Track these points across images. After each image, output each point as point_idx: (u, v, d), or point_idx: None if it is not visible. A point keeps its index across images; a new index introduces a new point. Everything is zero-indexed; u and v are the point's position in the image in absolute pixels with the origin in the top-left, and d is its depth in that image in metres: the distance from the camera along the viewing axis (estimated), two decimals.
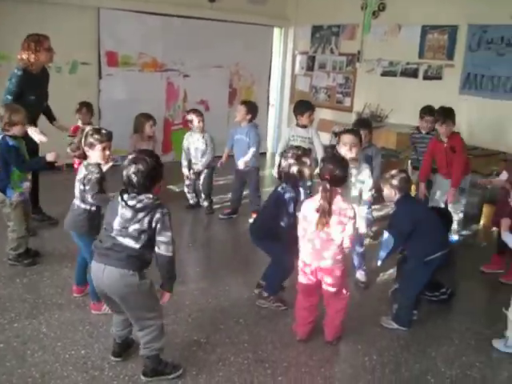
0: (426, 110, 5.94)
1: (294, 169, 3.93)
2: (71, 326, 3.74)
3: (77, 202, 3.80)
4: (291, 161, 3.94)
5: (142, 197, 2.94)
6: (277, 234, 3.99)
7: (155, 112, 7.32)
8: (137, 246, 2.96)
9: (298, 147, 4.20)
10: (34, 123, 5.05)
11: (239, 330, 3.85)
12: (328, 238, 3.45)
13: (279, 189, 4.00)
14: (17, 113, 4.39)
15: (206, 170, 6.31)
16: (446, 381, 3.43)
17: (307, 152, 4.17)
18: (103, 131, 3.76)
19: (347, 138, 4.35)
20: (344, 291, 3.67)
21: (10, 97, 4.99)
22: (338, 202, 3.43)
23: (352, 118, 8.71)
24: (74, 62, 7.51)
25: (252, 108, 6.00)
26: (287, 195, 3.92)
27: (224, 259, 5.16)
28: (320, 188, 3.43)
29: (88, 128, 3.75)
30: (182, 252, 5.21)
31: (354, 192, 4.35)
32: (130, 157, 2.99)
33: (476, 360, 3.70)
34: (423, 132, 5.98)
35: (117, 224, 2.97)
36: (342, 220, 3.42)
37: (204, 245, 5.65)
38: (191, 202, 6.50)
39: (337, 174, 3.43)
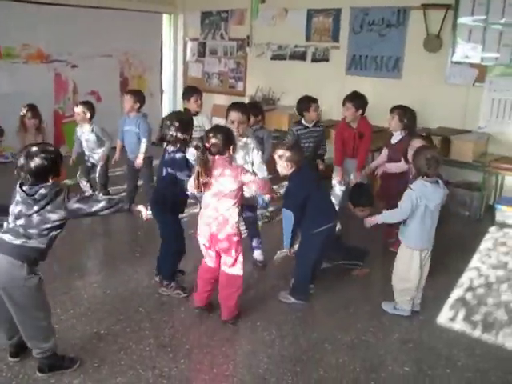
0: (310, 99, 5.59)
1: (180, 135, 3.93)
2: None
3: None
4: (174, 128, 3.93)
5: (39, 188, 2.88)
6: (172, 204, 4.03)
7: (44, 105, 7.09)
8: (35, 243, 2.91)
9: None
10: None
11: (140, 318, 3.84)
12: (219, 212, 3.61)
13: (170, 151, 3.99)
14: None
15: (101, 162, 6.19)
16: (342, 347, 3.61)
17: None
18: None
19: (233, 116, 4.39)
20: (239, 271, 3.77)
21: None
22: (224, 169, 3.57)
23: (245, 101, 8.84)
24: None
25: (139, 97, 5.86)
26: (179, 155, 3.93)
27: (122, 250, 5.11)
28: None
29: None
30: (78, 246, 5.11)
31: None
32: (22, 153, 2.91)
33: (370, 325, 3.92)
34: (310, 126, 5.59)
35: (21, 222, 2.90)
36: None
37: (101, 237, 5.56)
38: (86, 194, 6.35)
39: (214, 142, 3.56)
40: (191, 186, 3.66)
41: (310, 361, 3.43)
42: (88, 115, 6.05)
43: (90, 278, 4.41)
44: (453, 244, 5.45)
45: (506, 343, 3.72)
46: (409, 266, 3.91)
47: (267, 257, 4.81)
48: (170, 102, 10.16)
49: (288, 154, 3.95)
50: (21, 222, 2.89)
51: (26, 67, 7.82)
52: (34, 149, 2.91)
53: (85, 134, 6.14)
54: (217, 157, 3.58)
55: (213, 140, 3.58)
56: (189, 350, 3.47)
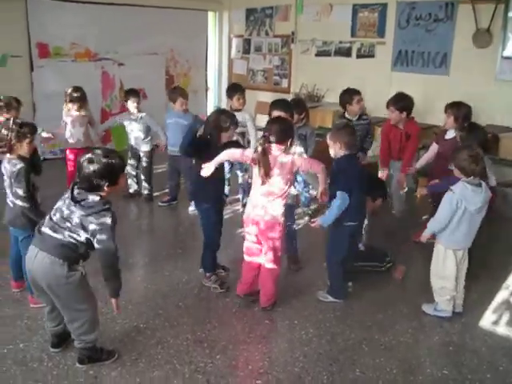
0: (352, 91, 5.49)
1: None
2: (9, 321, 3.71)
3: (9, 199, 3.76)
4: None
5: (91, 196, 2.93)
6: (205, 193, 4.10)
7: (91, 102, 7.18)
8: (73, 240, 2.96)
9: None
10: None
11: (178, 313, 3.89)
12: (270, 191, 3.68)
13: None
14: None
15: (146, 156, 6.34)
16: (379, 347, 3.57)
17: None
18: (30, 124, 3.73)
19: (276, 114, 4.37)
20: (277, 265, 3.88)
21: None
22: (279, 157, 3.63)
23: (289, 99, 8.81)
24: (3, 55, 7.30)
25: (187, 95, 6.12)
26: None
27: (164, 246, 5.16)
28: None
29: (11, 122, 3.68)
30: (122, 241, 5.18)
31: None
32: (87, 155, 2.96)
33: (409, 326, 3.86)
34: (354, 119, 5.48)
35: (58, 217, 2.97)
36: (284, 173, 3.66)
37: (144, 233, 5.66)
38: (131, 190, 6.47)
39: (274, 129, 3.62)
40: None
41: (347, 361, 3.40)
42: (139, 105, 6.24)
43: (132, 273, 4.48)
44: (500, 246, 5.32)
45: None
46: (444, 265, 3.85)
47: (303, 258, 4.78)
48: (214, 98, 10.22)
49: (342, 136, 3.88)
50: (57, 217, 2.98)
51: (74, 65, 8.00)
52: (96, 153, 2.95)
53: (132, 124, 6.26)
54: (274, 149, 3.63)
55: (273, 129, 3.63)
56: (225, 346, 3.49)
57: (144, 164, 6.38)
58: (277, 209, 3.71)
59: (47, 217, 3.05)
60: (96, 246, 2.94)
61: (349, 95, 5.47)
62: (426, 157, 5.31)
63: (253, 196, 3.78)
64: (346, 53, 8.03)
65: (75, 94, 5.83)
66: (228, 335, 3.63)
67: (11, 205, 3.78)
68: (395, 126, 5.35)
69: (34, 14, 7.50)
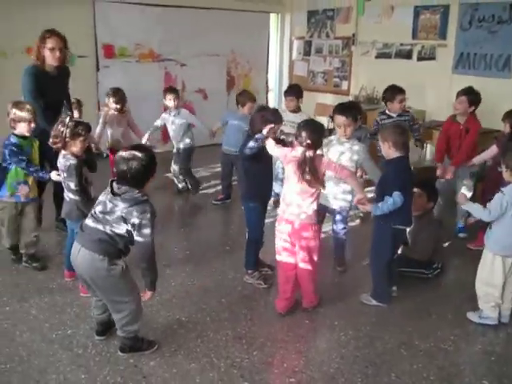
0: (397, 90, 5.53)
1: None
2: (60, 308, 3.90)
3: (65, 192, 3.97)
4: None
5: (130, 191, 3.05)
6: (248, 192, 4.23)
7: (154, 102, 7.51)
8: (112, 233, 3.09)
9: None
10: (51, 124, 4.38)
11: (221, 308, 3.97)
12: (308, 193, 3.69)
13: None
14: (22, 109, 4.19)
15: (184, 152, 6.51)
16: (418, 353, 3.52)
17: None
18: (84, 124, 3.91)
19: (339, 119, 4.40)
20: (314, 266, 3.85)
21: (29, 94, 4.74)
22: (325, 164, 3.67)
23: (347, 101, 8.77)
24: (71, 55, 7.61)
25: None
26: (249, 144, 4.01)
27: (213, 242, 5.28)
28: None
29: (68, 120, 3.87)
30: (172, 236, 5.37)
31: None
32: (125, 153, 3.07)
33: (451, 333, 3.78)
34: (394, 115, 5.52)
35: (99, 209, 3.11)
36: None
37: (195, 229, 5.77)
38: (180, 186, 6.65)
39: (312, 138, 3.59)
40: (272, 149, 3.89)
41: (383, 364, 3.38)
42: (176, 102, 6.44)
43: (180, 268, 4.60)
44: None
45: None
46: (491, 271, 3.76)
47: (351, 260, 4.77)
48: (275, 100, 10.29)
49: (397, 137, 3.85)
50: (99, 209, 3.12)
51: (138, 66, 8.27)
52: (130, 151, 3.06)
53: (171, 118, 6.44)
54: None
55: (303, 135, 3.61)
56: (262, 343, 3.54)
57: (181, 160, 6.53)
58: (311, 208, 3.72)
59: (92, 210, 3.20)
60: (136, 238, 3.05)
61: (391, 93, 5.51)
62: (484, 155, 5.21)
63: (287, 194, 3.77)
64: (407, 55, 7.91)
65: (115, 95, 6.09)
66: (267, 333, 3.68)
67: (67, 198, 3.99)
68: (456, 122, 5.30)
69: (101, 16, 7.82)
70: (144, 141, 6.17)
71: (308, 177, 3.58)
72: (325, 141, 4.51)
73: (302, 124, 3.76)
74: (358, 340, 3.64)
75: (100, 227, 3.09)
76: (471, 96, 5.17)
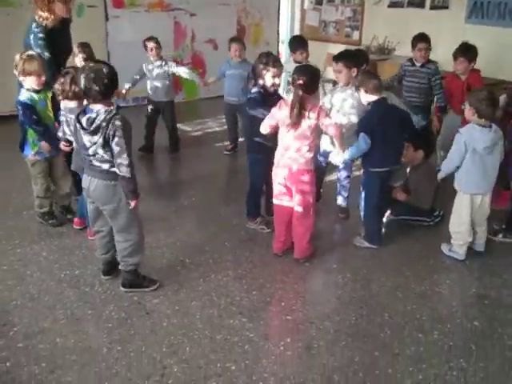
0: (418, 37, 5.50)
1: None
2: (69, 251, 4.06)
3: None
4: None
5: (96, 110, 3.12)
6: (251, 143, 4.28)
7: (164, 52, 7.44)
8: (105, 165, 3.22)
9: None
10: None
11: (223, 251, 4.10)
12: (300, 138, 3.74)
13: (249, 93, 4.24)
14: (31, 62, 4.05)
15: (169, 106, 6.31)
16: (413, 295, 3.63)
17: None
18: None
19: (336, 66, 4.45)
20: (310, 211, 3.91)
21: (37, 48, 4.75)
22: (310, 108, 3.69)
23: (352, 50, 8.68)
24: (80, 4, 7.57)
25: (243, 43, 6.24)
26: (253, 95, 4.12)
27: (220, 191, 5.40)
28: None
29: (71, 70, 3.90)
30: (179, 184, 5.50)
31: (343, 119, 4.42)
32: (85, 69, 3.16)
33: (447, 278, 3.89)
34: (417, 65, 5.52)
35: (86, 148, 3.22)
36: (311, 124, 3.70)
37: (202, 178, 5.85)
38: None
39: (306, 80, 3.64)
40: (264, 127, 3.86)
41: (378, 305, 3.49)
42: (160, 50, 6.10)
43: (185, 214, 4.73)
44: None
45: None
46: (460, 210, 3.98)
47: (353, 207, 4.82)
48: (285, 50, 10.18)
49: (369, 84, 3.97)
50: (86, 152, 3.23)
51: (147, 15, 8.20)
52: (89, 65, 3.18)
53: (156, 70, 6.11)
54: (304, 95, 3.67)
55: (299, 80, 3.66)
56: (262, 284, 3.67)
57: (168, 115, 6.27)
58: (308, 154, 3.77)
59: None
60: (113, 147, 3.13)
61: (414, 40, 5.55)
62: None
63: (284, 139, 3.81)
64: (419, 3, 7.77)
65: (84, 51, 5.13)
66: (267, 274, 3.80)
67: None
68: (457, 78, 5.27)
69: None
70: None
71: (294, 119, 3.64)
72: (330, 88, 4.56)
73: (297, 67, 3.90)
74: (355, 282, 3.76)
75: (102, 164, 3.22)
76: (469, 54, 5.13)
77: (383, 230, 4.33)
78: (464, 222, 3.98)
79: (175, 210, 4.79)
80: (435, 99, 5.64)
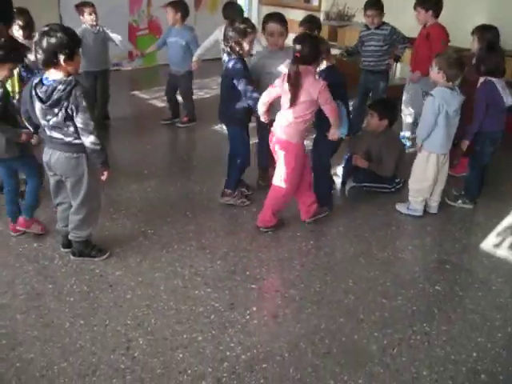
0: (368, 4, 5.56)
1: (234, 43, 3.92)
2: None
3: None
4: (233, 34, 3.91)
5: (54, 80, 2.96)
6: (234, 116, 4.11)
7: (119, 18, 7.26)
8: (68, 138, 3.10)
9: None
10: None
11: (186, 221, 4.04)
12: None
13: (228, 62, 4.02)
14: None
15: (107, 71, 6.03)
16: (376, 262, 3.66)
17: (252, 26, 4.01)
18: None
19: (272, 27, 4.17)
20: (282, 184, 3.83)
21: None
22: (309, 81, 3.54)
23: (320, 17, 8.60)
24: None
25: (180, 8, 5.81)
26: (237, 65, 3.92)
27: (180, 161, 5.32)
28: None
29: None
30: (138, 153, 5.38)
31: None
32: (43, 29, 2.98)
33: (409, 244, 3.95)
34: (372, 28, 5.58)
35: (46, 120, 3.08)
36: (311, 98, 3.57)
37: (164, 147, 5.77)
38: None
39: (304, 51, 3.51)
40: (261, 106, 3.80)
41: (342, 272, 3.51)
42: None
43: (145, 183, 4.63)
44: None
45: None
46: (426, 168, 4.12)
47: None
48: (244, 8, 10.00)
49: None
50: (44, 122, 3.11)
51: None
52: (51, 27, 2.95)
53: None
54: (302, 67, 3.52)
55: (299, 49, 3.51)
56: (226, 253, 3.64)
57: (101, 87, 5.91)
58: (298, 127, 3.67)
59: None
60: (78, 120, 3.02)
61: (364, 6, 5.58)
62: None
63: (282, 108, 3.71)
64: None
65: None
66: (231, 243, 3.77)
67: None
68: (423, 27, 5.39)
69: None
70: None
71: (290, 95, 3.53)
72: (254, 54, 4.43)
73: (295, 37, 3.67)
74: (319, 249, 3.77)
75: (64, 137, 3.10)
76: (425, 3, 5.21)
77: (346, 194, 4.39)
78: (428, 179, 4.14)
79: (136, 179, 4.69)
80: (398, 49, 5.76)
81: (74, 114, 3.00)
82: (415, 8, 5.31)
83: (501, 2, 6.57)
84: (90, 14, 5.57)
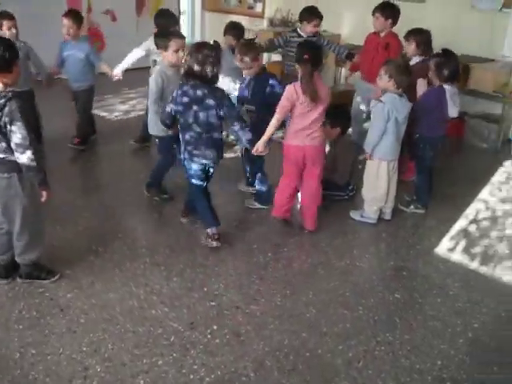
0: (307, 13, 5.51)
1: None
2: None
3: None
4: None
5: None
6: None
7: (58, 25, 6.91)
8: (2, 156, 2.90)
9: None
10: None
11: (137, 236, 3.92)
12: None
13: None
14: None
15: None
16: (335, 272, 3.63)
17: None
18: None
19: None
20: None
21: None
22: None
23: (264, 24, 8.59)
24: None
25: (78, 17, 5.31)
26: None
27: (123, 173, 5.07)
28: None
29: None
30: (80, 169, 5.18)
31: None
32: None
33: (366, 252, 3.94)
34: (304, 35, 5.48)
35: None
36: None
37: (104, 159, 5.52)
38: None
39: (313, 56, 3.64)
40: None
41: (301, 284, 3.46)
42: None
43: (91, 197, 4.46)
44: (465, 176, 5.37)
45: (503, 276, 3.68)
46: (377, 176, 4.15)
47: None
48: (188, 23, 9.90)
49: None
50: None
51: None
52: None
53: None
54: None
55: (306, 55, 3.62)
56: (182, 270, 3.52)
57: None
58: None
59: None
60: (12, 136, 2.83)
61: (309, 14, 5.54)
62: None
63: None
64: None
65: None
66: (186, 259, 3.65)
67: None
68: (377, 35, 5.32)
69: None
70: None
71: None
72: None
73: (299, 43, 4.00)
74: (277, 262, 3.71)
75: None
76: (386, 11, 5.18)
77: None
78: (381, 187, 4.14)
79: (81, 193, 4.51)
80: (336, 53, 5.84)
81: (8, 129, 2.80)
82: (374, 14, 5.24)
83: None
84: (10, 29, 4.86)
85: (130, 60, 5.30)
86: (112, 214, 4.20)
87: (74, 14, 5.31)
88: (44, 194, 3.04)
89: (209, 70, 3.43)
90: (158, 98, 4.04)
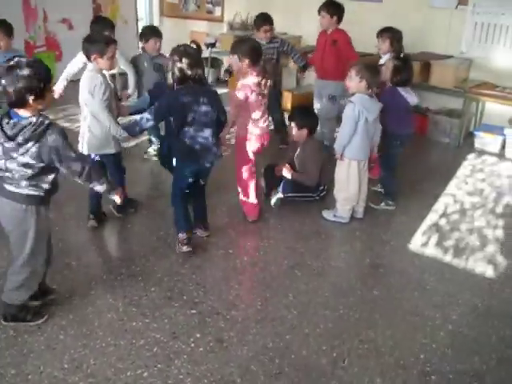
0: (257, 20, 5.59)
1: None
2: None
3: None
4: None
5: (22, 122, 2.59)
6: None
7: (15, 35, 6.78)
8: (24, 185, 2.73)
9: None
10: None
11: (111, 248, 3.87)
12: None
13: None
14: None
15: None
16: (312, 273, 3.64)
17: None
18: None
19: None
20: None
21: None
22: None
23: (224, 28, 8.58)
24: None
25: (8, 26, 5.15)
26: None
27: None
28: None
29: None
30: None
31: None
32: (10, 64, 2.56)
33: (341, 251, 3.97)
34: (264, 42, 5.37)
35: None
36: None
37: None
38: None
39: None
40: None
41: (280, 287, 3.45)
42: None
43: (63, 211, 4.35)
44: (430, 171, 5.48)
45: (476, 268, 3.75)
46: (347, 176, 4.18)
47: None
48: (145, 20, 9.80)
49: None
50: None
51: None
52: (18, 62, 2.53)
53: None
54: None
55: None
56: (159, 279, 3.47)
57: None
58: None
59: None
60: (63, 169, 2.74)
61: (258, 21, 5.59)
62: None
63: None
64: None
65: None
66: (162, 267, 3.60)
67: None
68: (324, 33, 5.48)
69: None
70: None
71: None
72: None
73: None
74: (254, 266, 3.70)
75: (15, 182, 2.73)
76: (331, 8, 5.31)
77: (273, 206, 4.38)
78: (353, 187, 4.17)
79: (51, 207, 4.38)
80: (295, 60, 5.83)
81: (54, 160, 2.67)
82: (319, 12, 5.37)
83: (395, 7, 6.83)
84: None
85: (68, 75, 5.10)
86: (83, 227, 4.11)
87: (4, 26, 5.13)
88: (116, 196, 3.05)
89: (200, 71, 3.47)
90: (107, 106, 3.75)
